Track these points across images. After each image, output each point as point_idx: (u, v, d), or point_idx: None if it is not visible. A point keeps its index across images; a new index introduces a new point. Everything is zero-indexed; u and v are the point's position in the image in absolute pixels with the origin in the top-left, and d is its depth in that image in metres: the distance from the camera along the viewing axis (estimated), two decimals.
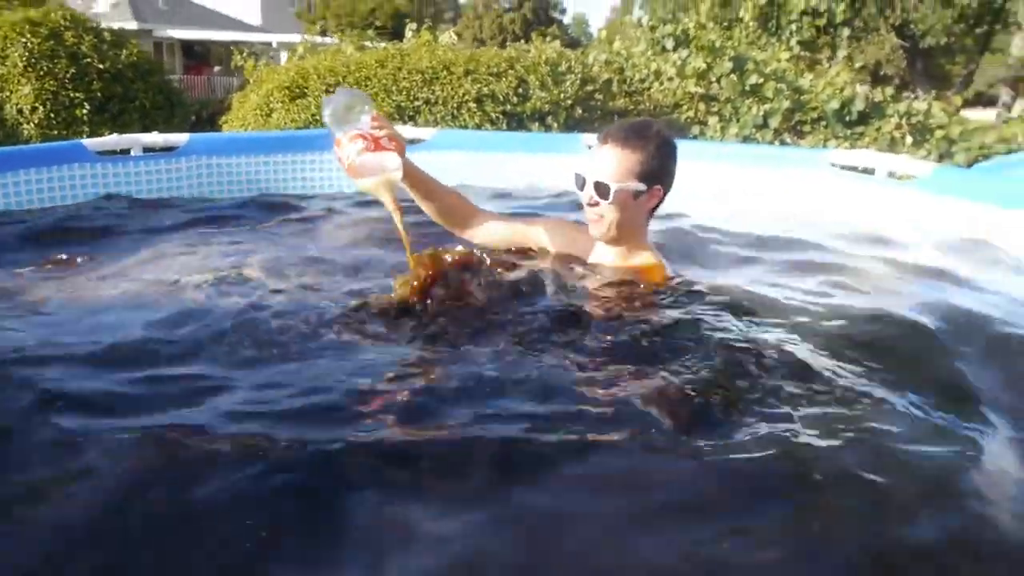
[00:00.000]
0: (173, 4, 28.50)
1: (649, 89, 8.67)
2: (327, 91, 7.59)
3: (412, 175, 1.98)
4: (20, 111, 8.30)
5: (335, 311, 1.80)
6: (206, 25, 27.54)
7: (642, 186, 1.86)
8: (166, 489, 1.13)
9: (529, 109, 7.38)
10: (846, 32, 14.05)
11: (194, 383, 1.47)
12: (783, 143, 7.96)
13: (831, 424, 1.30)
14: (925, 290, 2.19)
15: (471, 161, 4.28)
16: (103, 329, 1.82)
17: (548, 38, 9.87)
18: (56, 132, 8.21)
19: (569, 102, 7.45)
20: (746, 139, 7.97)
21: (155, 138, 4.03)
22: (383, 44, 10.03)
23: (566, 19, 44.76)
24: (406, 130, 4.59)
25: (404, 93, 7.44)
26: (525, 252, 2.20)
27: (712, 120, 8.23)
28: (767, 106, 7.96)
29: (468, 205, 2.20)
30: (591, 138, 4.45)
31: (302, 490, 1.14)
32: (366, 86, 7.51)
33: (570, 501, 1.14)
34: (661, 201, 1.94)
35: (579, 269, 2.04)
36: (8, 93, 8.30)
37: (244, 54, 9.55)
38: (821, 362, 1.53)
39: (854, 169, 3.49)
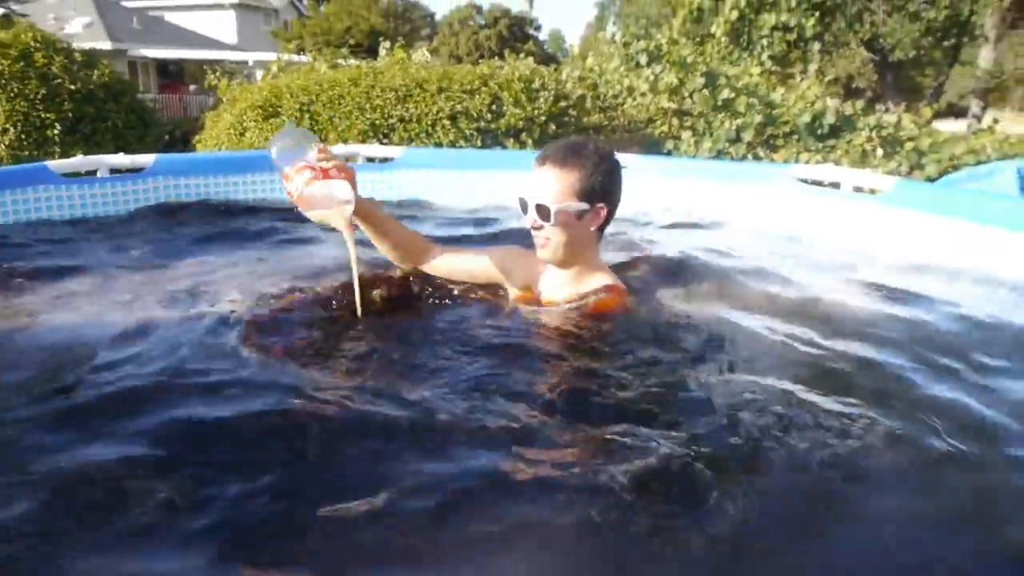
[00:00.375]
0: (147, 24, 28.39)
1: (623, 105, 8.72)
2: (300, 110, 7.57)
3: (365, 211, 1.95)
4: None
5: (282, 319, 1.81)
6: (181, 44, 27.44)
7: (584, 205, 1.84)
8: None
9: (503, 126, 7.39)
10: (816, 47, 14.25)
11: (136, 399, 1.45)
12: (756, 157, 8.03)
13: (804, 457, 1.29)
14: (887, 308, 2.21)
15: (439, 179, 4.29)
16: (56, 348, 1.81)
17: (523, 55, 9.92)
18: (27, 153, 8.12)
19: (543, 118, 7.47)
20: (719, 153, 8.04)
21: (122, 159, 4.00)
22: (356, 62, 10.04)
23: (542, 35, 45.06)
24: (375, 149, 4.59)
25: (378, 111, 7.43)
26: (486, 283, 2.18)
27: (685, 135, 8.29)
28: (739, 120, 8.03)
29: (422, 240, 2.18)
30: None
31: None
32: (339, 104, 7.50)
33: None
34: (608, 219, 1.92)
35: (526, 308, 2.00)
36: None
37: (218, 73, 9.52)
38: (787, 389, 1.52)
39: (820, 184, 3.52)
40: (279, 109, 7.64)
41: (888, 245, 3.09)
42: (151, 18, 30.15)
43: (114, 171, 3.96)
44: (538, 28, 41.83)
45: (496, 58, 9.24)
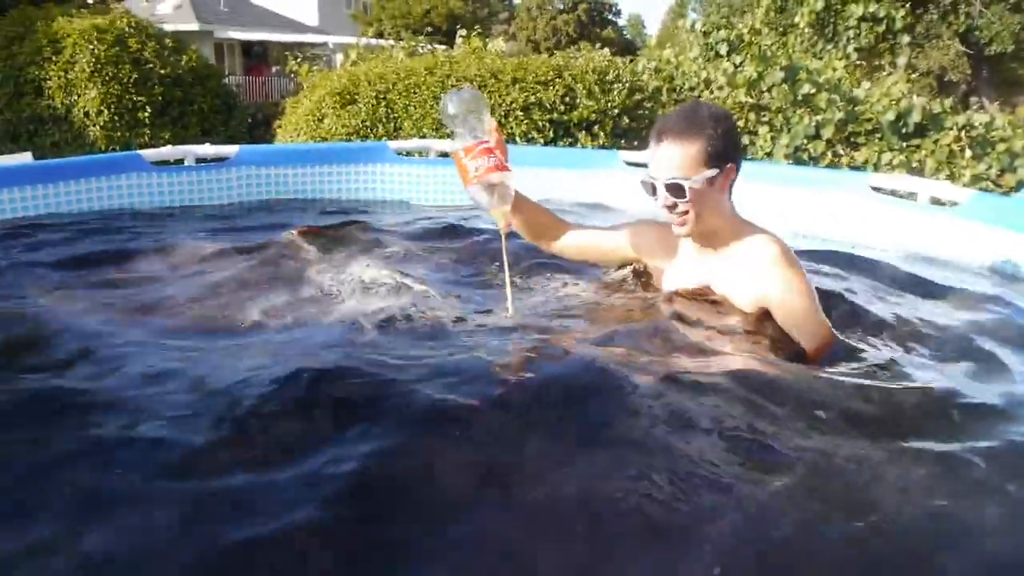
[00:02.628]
0: (233, 5, 29.16)
1: (699, 98, 8.59)
2: (376, 98, 7.71)
3: None
4: (87, 114, 8.62)
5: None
6: (265, 26, 28.12)
7: (714, 171, 1.80)
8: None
9: (576, 118, 7.38)
10: (906, 39, 13.70)
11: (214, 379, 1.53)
12: (836, 155, 7.82)
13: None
14: (963, 323, 2.15)
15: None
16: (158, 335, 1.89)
17: (599, 45, 9.83)
18: (119, 134, 8.50)
19: (616, 111, 7.43)
20: (797, 150, 7.85)
21: (207, 149, 4.17)
22: (435, 48, 10.15)
23: (621, 21, 44.54)
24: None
25: None
26: (620, 261, 2.22)
27: (762, 130, 8.12)
28: (819, 117, 7.82)
29: (556, 219, 2.22)
30: (629, 155, 4.46)
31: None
32: (415, 93, 7.61)
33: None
34: (736, 174, 1.88)
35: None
36: (76, 97, 8.62)
37: (298, 59, 9.76)
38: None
39: (894, 194, 3.43)
40: (356, 96, 7.80)
41: (963, 259, 3.01)
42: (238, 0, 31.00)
43: (200, 160, 4.14)
44: (617, 13, 41.34)
45: (574, 44, 9.20)
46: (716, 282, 1.94)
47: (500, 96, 7.51)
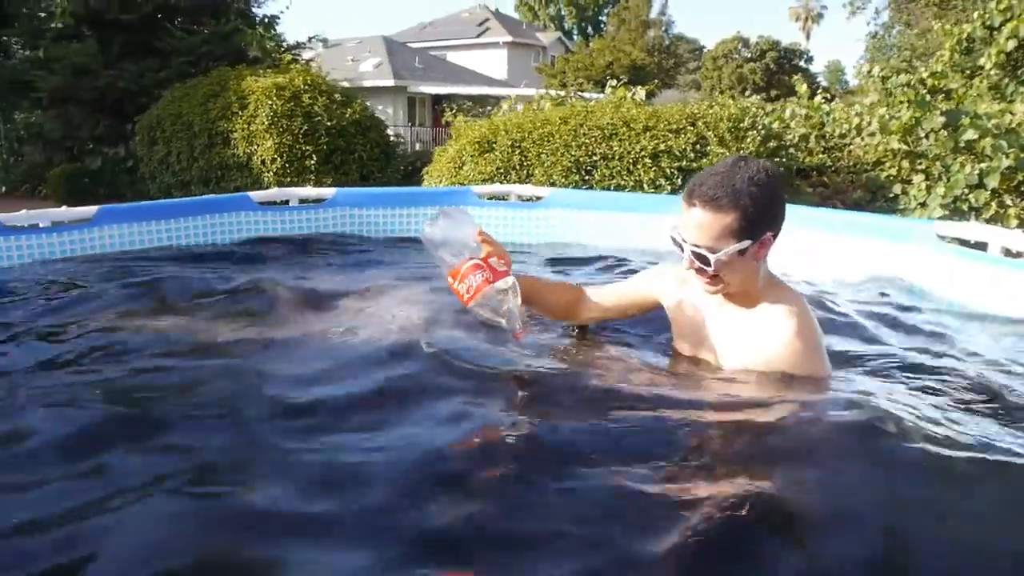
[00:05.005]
0: (428, 63, 31.34)
1: (849, 145, 8.14)
2: (511, 146, 7.99)
3: (521, 285, 1.90)
4: (263, 162, 9.64)
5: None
6: (455, 80, 29.86)
7: (746, 243, 1.67)
8: None
9: (705, 165, 7.24)
10: None
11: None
12: (1002, 206, 7.08)
13: None
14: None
15: (581, 219, 4.36)
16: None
17: (797, 96, 9.35)
18: (289, 180, 9.41)
19: None
20: (956, 200, 7.20)
21: (309, 191, 4.56)
22: (583, 98, 10.36)
23: (815, 67, 42.82)
24: (526, 188, 4.78)
25: (583, 148, 7.64)
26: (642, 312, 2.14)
27: (917, 179, 7.53)
28: (984, 165, 7.14)
29: (575, 292, 2.16)
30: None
31: None
32: (548, 142, 7.81)
33: None
34: (774, 241, 1.73)
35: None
36: (256, 147, 9.66)
37: (453, 110, 10.34)
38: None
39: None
40: (494, 145, 8.14)
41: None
42: (432, 57, 33.25)
43: (303, 201, 4.54)
44: (809, 60, 39.83)
45: (760, 93, 9.03)
46: (727, 340, 1.86)
47: (630, 144, 7.54)
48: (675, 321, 2.02)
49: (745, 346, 1.80)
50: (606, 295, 2.14)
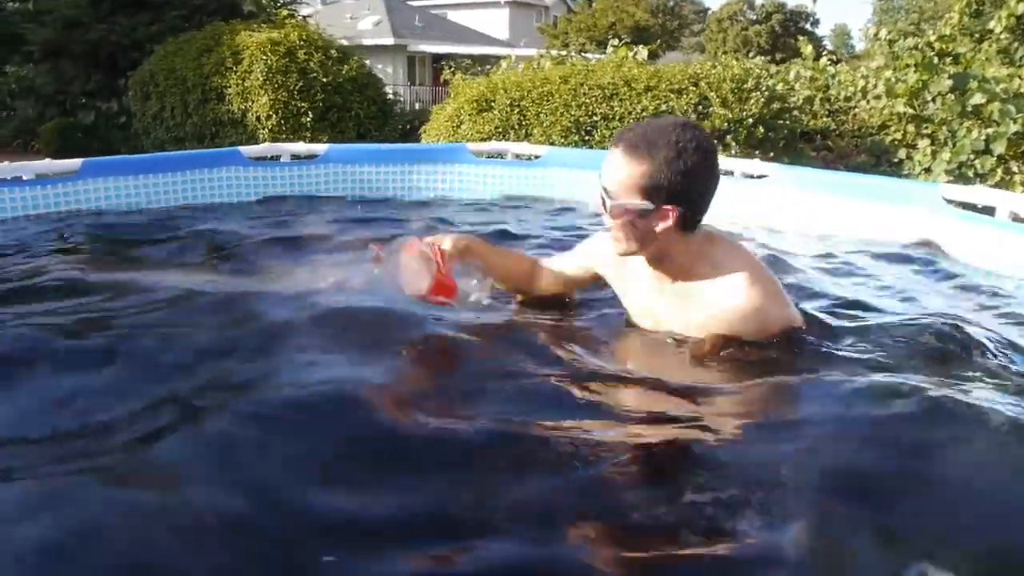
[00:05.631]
0: (428, 21, 30.82)
1: (854, 108, 8.00)
2: (510, 105, 7.83)
3: (474, 254, 1.88)
4: (258, 118, 9.47)
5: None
6: (456, 40, 29.40)
7: (647, 204, 1.56)
8: None
9: (707, 127, 7.10)
10: None
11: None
12: (1008, 172, 6.98)
13: None
14: None
15: (579, 179, 4.26)
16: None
17: (802, 58, 9.17)
18: (284, 137, 9.25)
19: (751, 121, 7.08)
20: (961, 166, 7.09)
21: (301, 147, 4.45)
22: (584, 58, 10.17)
23: (821, 31, 42.24)
24: (522, 146, 4.68)
25: (583, 108, 7.49)
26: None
27: (922, 144, 7.41)
28: (991, 130, 7.01)
29: (528, 262, 2.07)
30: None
31: None
32: (547, 101, 7.66)
33: None
34: (690, 221, 1.61)
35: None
36: (251, 103, 9.49)
37: (451, 68, 10.15)
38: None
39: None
40: (492, 104, 7.98)
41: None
42: (432, 16, 32.70)
43: (295, 157, 4.43)
44: (815, 23, 39.26)
45: (765, 56, 8.88)
46: (671, 319, 1.76)
47: (631, 104, 7.39)
48: (616, 289, 1.92)
49: (693, 318, 1.71)
50: (556, 267, 2.04)
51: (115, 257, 2.85)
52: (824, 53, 9.10)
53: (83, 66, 12.55)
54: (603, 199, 1.63)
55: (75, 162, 3.94)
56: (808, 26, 38.22)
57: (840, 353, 1.67)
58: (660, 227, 1.60)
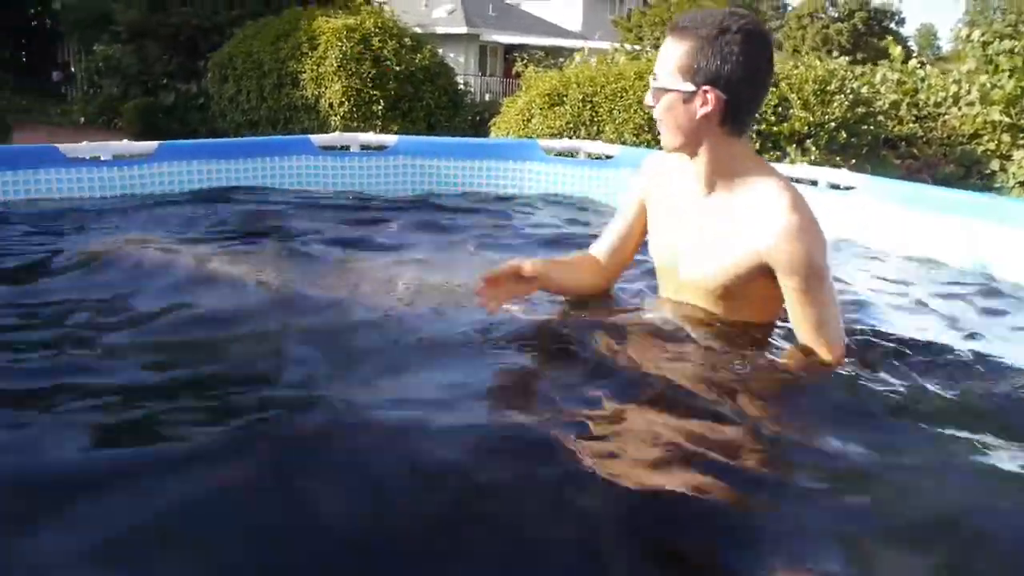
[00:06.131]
0: (501, 11, 30.75)
1: (944, 114, 7.62)
2: (583, 100, 7.70)
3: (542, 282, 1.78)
4: (331, 105, 9.55)
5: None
6: (528, 31, 29.28)
7: (687, 86, 1.51)
8: None
9: (787, 130, 6.86)
10: None
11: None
12: None
13: None
14: None
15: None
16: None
17: (890, 59, 8.80)
18: (355, 124, 9.32)
19: (833, 125, 6.79)
20: None
21: (371, 137, 4.42)
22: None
23: (906, 30, 40.70)
24: (595, 145, 4.56)
25: None
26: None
27: (1018, 155, 7.02)
28: None
29: (586, 262, 1.94)
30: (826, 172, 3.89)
31: None
32: (621, 97, 7.50)
33: None
34: (735, 113, 1.53)
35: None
36: (324, 89, 9.58)
37: (524, 60, 10.05)
38: None
39: None
40: (564, 98, 7.86)
41: None
42: (506, 6, 32.61)
43: (364, 147, 4.41)
44: (901, 23, 37.83)
45: (846, 56, 8.55)
46: (711, 239, 1.64)
47: None
48: (652, 217, 1.81)
49: (730, 229, 1.59)
50: (608, 238, 1.92)
51: (181, 242, 2.86)
52: (912, 55, 8.68)
53: (165, 47, 12.88)
54: (651, 90, 1.59)
55: (151, 144, 3.99)
56: (893, 25, 36.86)
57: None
58: (701, 112, 1.52)
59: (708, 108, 1.52)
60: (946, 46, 45.67)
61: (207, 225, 3.22)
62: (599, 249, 1.94)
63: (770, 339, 1.69)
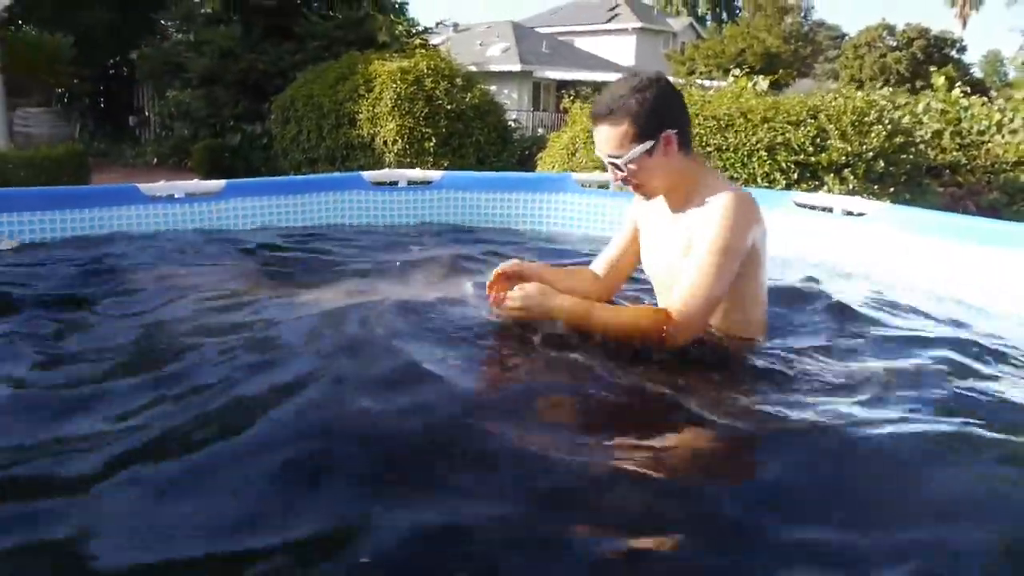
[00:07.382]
0: (555, 48, 31.34)
1: (987, 142, 7.64)
2: None
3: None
4: (385, 143, 10.02)
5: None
6: (581, 66, 29.75)
7: (648, 143, 1.87)
8: None
9: (824, 160, 6.99)
10: None
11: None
12: None
13: None
14: None
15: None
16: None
17: (933, 89, 8.81)
18: (408, 160, 9.75)
19: (871, 155, 6.90)
20: None
21: (417, 173, 4.76)
22: (701, 86, 10.16)
23: (972, 57, 39.87)
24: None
25: (697, 138, 7.51)
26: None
27: None
28: None
29: (584, 273, 2.27)
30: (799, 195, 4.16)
31: None
32: None
33: None
34: (684, 138, 1.93)
35: None
36: (379, 128, 10.06)
37: (572, 96, 10.38)
38: None
39: None
40: None
41: None
42: (559, 43, 33.23)
43: (411, 183, 4.75)
44: (962, 50, 37.15)
45: (905, 84, 8.63)
46: (671, 233, 2.00)
47: (746, 135, 7.36)
48: (643, 239, 2.18)
49: (683, 232, 1.93)
50: (607, 256, 2.27)
51: (245, 274, 3.19)
52: (959, 84, 8.71)
53: (233, 92, 13.63)
54: (615, 168, 1.91)
55: (219, 183, 4.39)
56: (954, 53, 36.22)
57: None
58: (666, 152, 1.90)
59: (672, 145, 1.90)
60: (1013, 72, 44.67)
61: (270, 258, 3.56)
62: (596, 264, 2.29)
63: (745, 348, 1.94)
